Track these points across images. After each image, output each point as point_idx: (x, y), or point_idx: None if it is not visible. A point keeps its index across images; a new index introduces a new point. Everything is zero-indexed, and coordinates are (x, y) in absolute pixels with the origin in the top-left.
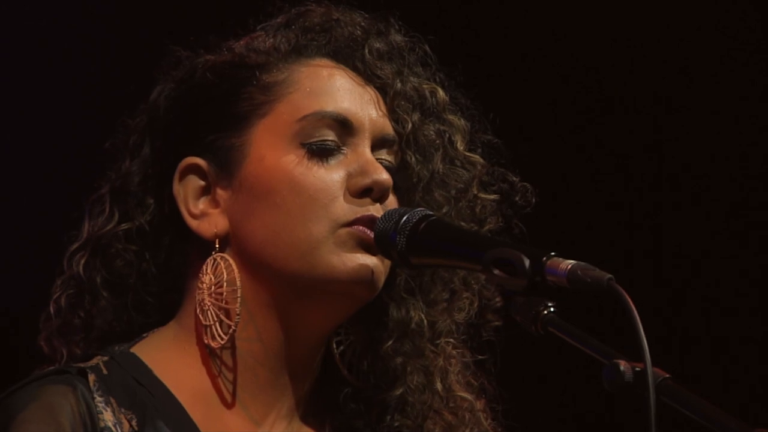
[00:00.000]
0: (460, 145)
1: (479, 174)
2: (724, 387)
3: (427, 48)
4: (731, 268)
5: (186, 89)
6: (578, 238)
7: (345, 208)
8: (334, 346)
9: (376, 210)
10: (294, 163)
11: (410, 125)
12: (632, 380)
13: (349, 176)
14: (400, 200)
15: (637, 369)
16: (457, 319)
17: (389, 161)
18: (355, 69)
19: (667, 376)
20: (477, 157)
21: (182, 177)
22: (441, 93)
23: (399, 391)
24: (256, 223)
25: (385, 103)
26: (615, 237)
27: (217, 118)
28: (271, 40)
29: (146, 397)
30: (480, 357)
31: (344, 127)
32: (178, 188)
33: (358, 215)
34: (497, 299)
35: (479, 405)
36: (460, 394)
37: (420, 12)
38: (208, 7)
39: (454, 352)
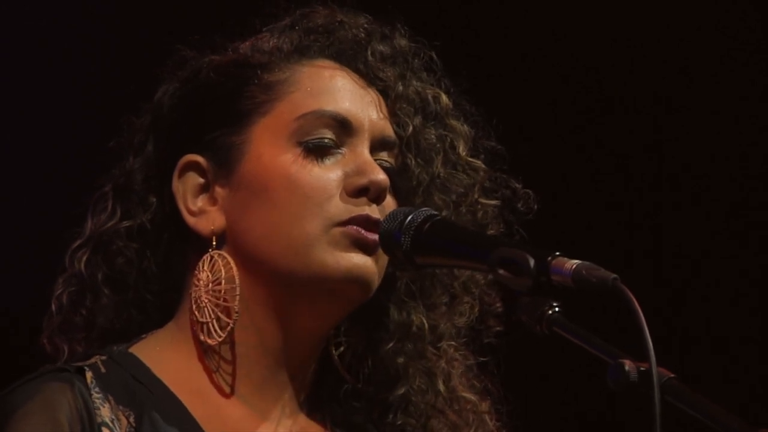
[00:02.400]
0: (462, 150)
1: (481, 180)
2: (724, 387)
3: (433, 54)
4: (731, 268)
5: (191, 89)
6: (578, 238)
7: (340, 207)
8: (333, 348)
9: (372, 211)
10: (290, 161)
11: (411, 128)
12: (637, 380)
13: (346, 176)
14: (400, 203)
15: (642, 368)
16: (457, 323)
17: (389, 162)
18: (357, 71)
19: (672, 375)
20: (479, 163)
21: (182, 174)
22: (444, 98)
23: (401, 391)
24: (253, 221)
25: (387, 105)
26: (615, 237)
27: (219, 116)
28: (275, 40)
29: (145, 395)
30: (483, 359)
31: (343, 126)
32: (177, 185)
33: (353, 214)
34: (498, 304)
35: (484, 406)
36: (463, 395)
37: (419, 12)
38: (209, 8)
39: (456, 354)
